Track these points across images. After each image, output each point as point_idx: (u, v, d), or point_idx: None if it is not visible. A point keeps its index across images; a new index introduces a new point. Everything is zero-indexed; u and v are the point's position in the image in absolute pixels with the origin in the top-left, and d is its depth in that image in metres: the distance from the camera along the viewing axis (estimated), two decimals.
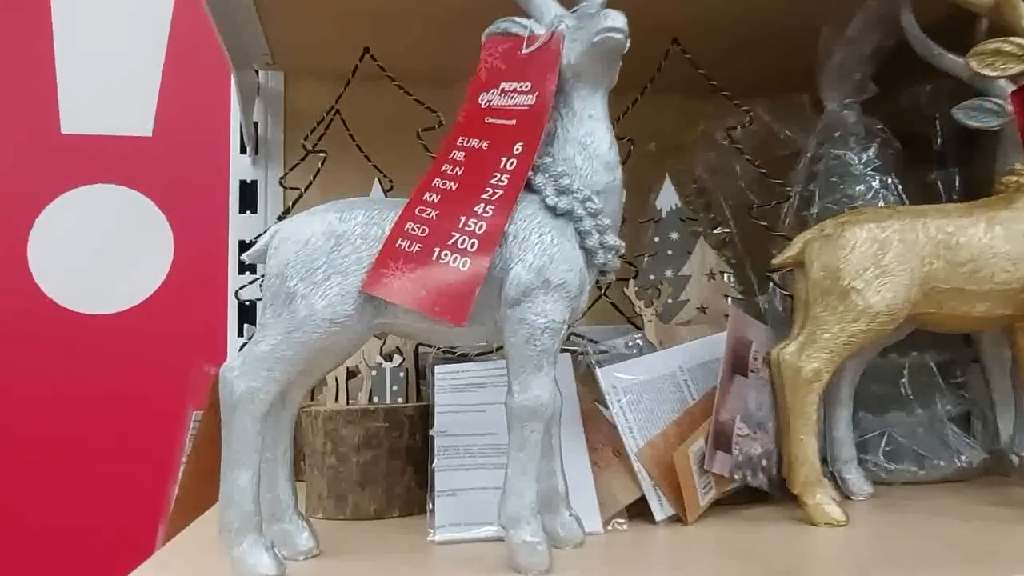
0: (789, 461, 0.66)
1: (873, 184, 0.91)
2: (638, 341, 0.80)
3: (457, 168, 0.56)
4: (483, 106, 0.58)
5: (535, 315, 0.52)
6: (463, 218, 0.53)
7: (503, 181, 0.54)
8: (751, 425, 0.71)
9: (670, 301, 0.86)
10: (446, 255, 0.52)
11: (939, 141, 1.01)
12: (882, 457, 0.81)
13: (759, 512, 0.69)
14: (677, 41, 0.90)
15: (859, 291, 0.63)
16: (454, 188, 0.55)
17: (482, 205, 0.53)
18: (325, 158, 0.90)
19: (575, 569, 0.54)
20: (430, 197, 0.55)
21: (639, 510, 0.67)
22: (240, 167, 1.09)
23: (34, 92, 1.25)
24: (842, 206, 0.90)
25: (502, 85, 0.58)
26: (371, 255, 0.53)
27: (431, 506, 0.65)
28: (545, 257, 0.52)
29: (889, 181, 0.91)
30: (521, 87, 0.57)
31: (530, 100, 0.56)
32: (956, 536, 0.60)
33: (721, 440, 0.68)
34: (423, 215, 0.54)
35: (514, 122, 0.56)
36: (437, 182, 0.56)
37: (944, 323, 0.67)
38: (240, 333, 1.05)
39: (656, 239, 0.89)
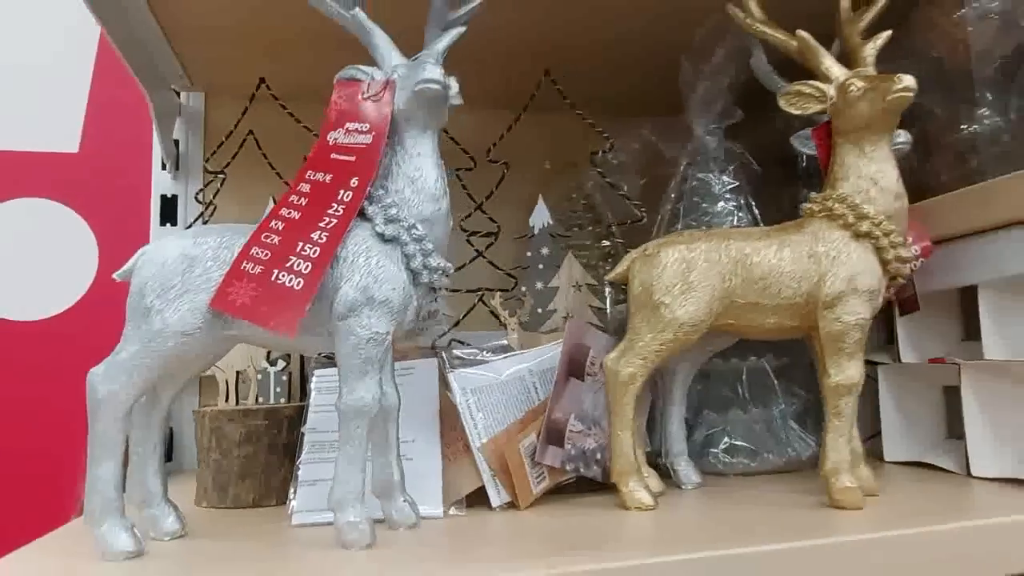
0: (610, 454, 0.75)
1: (730, 204, 1.00)
2: (501, 347, 0.89)
3: (302, 199, 0.64)
4: (330, 143, 0.66)
5: (361, 328, 0.61)
6: (300, 243, 0.61)
7: (339, 211, 0.63)
8: (586, 423, 0.80)
9: (540, 311, 0.95)
10: (283, 276, 0.60)
11: (803, 164, 1.11)
12: (722, 452, 0.91)
13: (591, 499, 0.78)
14: (548, 73, 0.99)
15: (667, 305, 0.72)
16: (297, 217, 0.63)
17: (318, 232, 0.62)
18: (224, 179, 0.98)
19: (407, 544, 0.62)
20: (276, 224, 0.63)
21: (484, 499, 0.75)
22: (161, 182, 1.15)
23: None
24: (703, 224, 1.00)
25: (347, 125, 0.66)
26: (221, 275, 0.61)
27: (293, 494, 0.73)
28: (370, 277, 0.61)
29: (743, 202, 1.00)
30: (361, 127, 0.65)
31: (367, 139, 0.65)
32: (746, 516, 0.68)
33: (553, 435, 0.77)
34: (267, 240, 0.62)
35: (353, 158, 0.65)
36: (284, 211, 0.64)
37: (744, 332, 0.77)
38: None
39: (529, 254, 0.97)
